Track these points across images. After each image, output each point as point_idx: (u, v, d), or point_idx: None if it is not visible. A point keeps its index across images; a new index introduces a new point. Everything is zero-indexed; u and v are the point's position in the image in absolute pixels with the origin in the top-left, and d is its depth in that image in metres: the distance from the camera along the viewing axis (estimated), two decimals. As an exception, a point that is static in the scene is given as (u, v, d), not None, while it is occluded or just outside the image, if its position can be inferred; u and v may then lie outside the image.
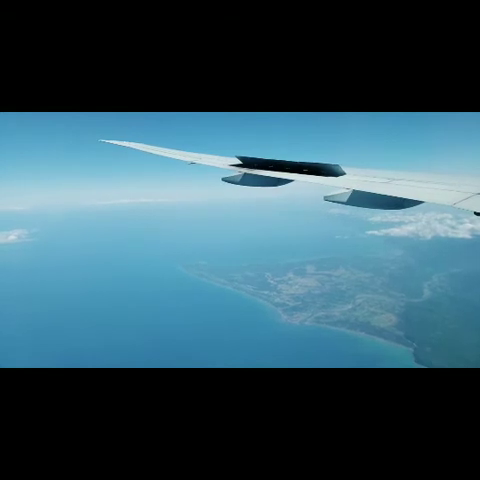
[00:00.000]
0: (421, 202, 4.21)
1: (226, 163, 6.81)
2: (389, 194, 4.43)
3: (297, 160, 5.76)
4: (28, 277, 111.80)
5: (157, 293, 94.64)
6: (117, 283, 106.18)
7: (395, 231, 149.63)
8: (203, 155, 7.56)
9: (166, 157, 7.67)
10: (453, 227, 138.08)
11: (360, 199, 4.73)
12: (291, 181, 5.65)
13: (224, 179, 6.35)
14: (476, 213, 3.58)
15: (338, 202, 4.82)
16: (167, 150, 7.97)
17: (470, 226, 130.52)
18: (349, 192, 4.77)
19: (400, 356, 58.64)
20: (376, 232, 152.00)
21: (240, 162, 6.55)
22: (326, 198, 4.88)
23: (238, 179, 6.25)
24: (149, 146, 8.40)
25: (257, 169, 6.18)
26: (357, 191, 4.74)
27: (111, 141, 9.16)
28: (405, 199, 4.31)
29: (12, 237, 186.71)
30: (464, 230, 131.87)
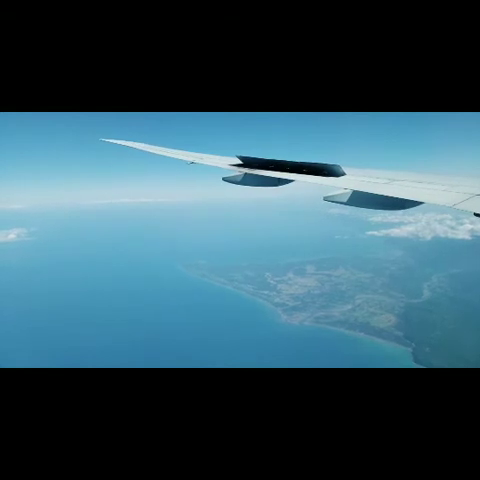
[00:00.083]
0: (421, 203, 4.22)
1: (226, 163, 6.81)
2: (389, 195, 4.43)
3: (297, 160, 5.76)
4: (27, 276, 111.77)
5: (157, 292, 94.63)
6: (117, 282, 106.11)
7: (395, 231, 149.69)
8: (203, 155, 7.55)
9: (166, 157, 7.67)
10: (453, 228, 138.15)
11: (360, 199, 4.74)
12: (291, 181, 5.65)
13: (224, 179, 6.35)
14: (476, 214, 3.58)
15: (338, 202, 4.82)
16: (167, 150, 7.97)
17: (470, 227, 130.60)
18: (349, 192, 4.78)
19: (399, 356, 58.66)
20: (376, 232, 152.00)
21: (240, 162, 6.55)
22: (326, 198, 4.88)
23: (238, 179, 6.25)
24: (149, 146, 8.40)
25: (257, 169, 6.18)
26: (357, 191, 4.75)
27: (111, 140, 9.16)
28: (405, 200, 4.31)
29: (11, 236, 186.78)
30: (464, 231, 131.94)
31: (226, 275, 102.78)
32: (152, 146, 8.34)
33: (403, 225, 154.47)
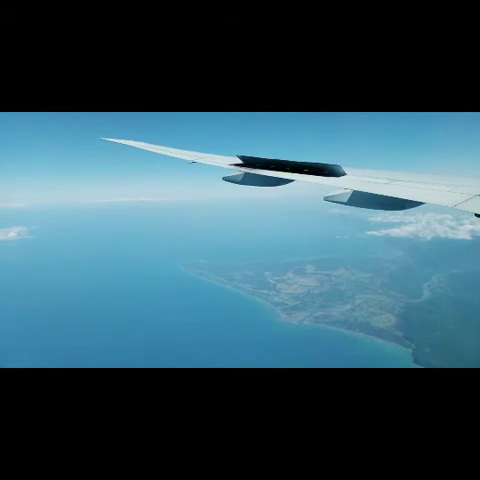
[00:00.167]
0: (422, 203, 4.21)
1: (227, 162, 6.81)
2: (389, 195, 4.43)
3: (298, 160, 5.76)
4: (28, 274, 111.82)
5: (156, 291, 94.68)
6: (116, 281, 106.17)
7: (395, 231, 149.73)
8: (204, 154, 7.55)
9: (167, 156, 7.67)
10: (453, 228, 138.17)
11: (360, 199, 4.73)
12: (292, 181, 5.65)
13: (225, 178, 6.35)
14: (477, 215, 3.58)
15: (338, 202, 4.82)
16: (168, 149, 7.96)
17: (470, 227, 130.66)
18: (349, 192, 4.77)
19: (399, 356, 58.66)
20: (376, 232, 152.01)
21: (241, 162, 6.55)
22: (326, 198, 4.88)
23: (239, 179, 6.25)
24: (150, 145, 8.39)
25: (258, 169, 6.18)
26: (357, 191, 4.74)
27: (112, 139, 9.16)
28: (405, 200, 4.31)
29: (12, 234, 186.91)
30: (464, 231, 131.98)
31: (226, 274, 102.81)
32: (153, 145, 8.33)
33: (403, 225, 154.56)
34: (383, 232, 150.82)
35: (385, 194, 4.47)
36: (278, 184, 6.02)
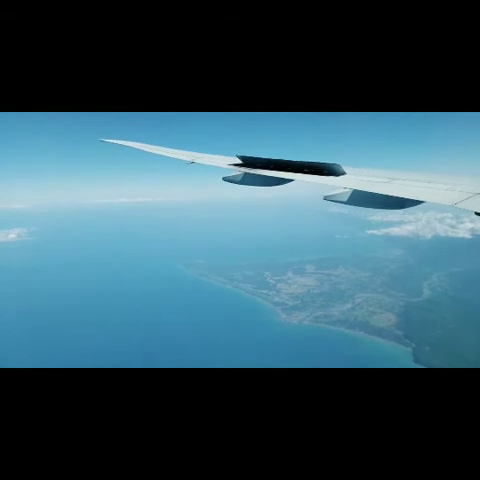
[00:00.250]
0: (421, 202, 4.21)
1: (226, 162, 6.80)
2: (389, 194, 4.43)
3: (297, 160, 5.76)
4: (27, 276, 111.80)
5: (156, 291, 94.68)
6: (116, 282, 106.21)
7: (395, 230, 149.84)
8: (203, 154, 7.55)
9: (166, 156, 7.67)
10: (453, 227, 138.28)
11: (360, 199, 4.73)
12: (291, 181, 5.65)
13: (224, 178, 6.34)
14: (477, 213, 3.58)
15: (338, 202, 4.82)
16: (167, 149, 7.96)
17: (470, 226, 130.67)
18: (349, 192, 4.77)
19: (399, 356, 58.70)
20: (376, 231, 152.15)
21: (240, 161, 6.55)
22: (326, 197, 4.88)
23: (238, 179, 6.24)
24: (149, 145, 8.39)
25: (257, 169, 6.17)
26: (357, 191, 4.74)
27: (111, 140, 9.15)
28: (405, 199, 4.30)
29: (12, 235, 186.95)
30: (464, 230, 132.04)
31: (225, 274, 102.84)
32: (152, 146, 8.33)
33: (403, 224, 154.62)
34: (383, 231, 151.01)
35: (385, 193, 4.47)
36: (278, 184, 6.01)
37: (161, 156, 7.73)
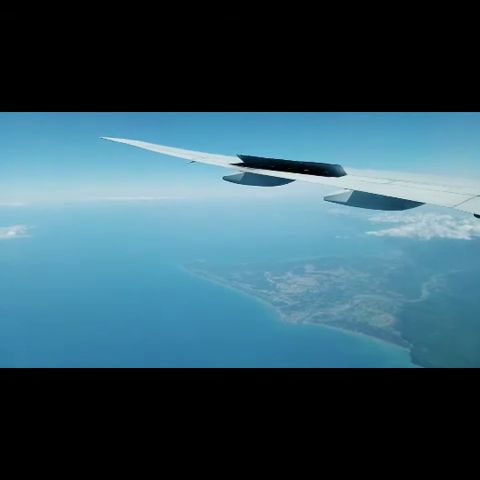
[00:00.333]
0: (422, 203, 4.22)
1: (227, 162, 6.81)
2: (389, 195, 4.43)
3: (298, 160, 5.76)
4: (26, 273, 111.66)
5: (156, 291, 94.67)
6: (116, 280, 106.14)
7: (395, 231, 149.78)
8: (204, 154, 7.55)
9: (167, 155, 7.67)
10: (452, 228, 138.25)
11: (360, 200, 4.74)
12: (292, 181, 5.65)
13: (225, 178, 6.34)
14: (476, 215, 3.59)
15: (338, 202, 4.82)
16: (168, 148, 7.96)
17: (469, 227, 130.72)
18: (350, 192, 4.78)
19: (397, 356, 58.73)
20: (376, 232, 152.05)
21: (241, 161, 6.55)
22: (326, 198, 4.88)
23: (239, 178, 6.24)
24: (150, 144, 8.39)
25: (258, 168, 6.18)
26: (357, 192, 4.75)
27: (112, 138, 9.15)
28: (405, 200, 4.31)
29: (11, 233, 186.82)
30: (463, 231, 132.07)
31: (225, 274, 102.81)
32: (153, 145, 8.33)
33: (403, 225, 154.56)
34: (383, 232, 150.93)
35: (385, 194, 4.48)
36: (278, 184, 6.01)
37: (162, 155, 7.73)
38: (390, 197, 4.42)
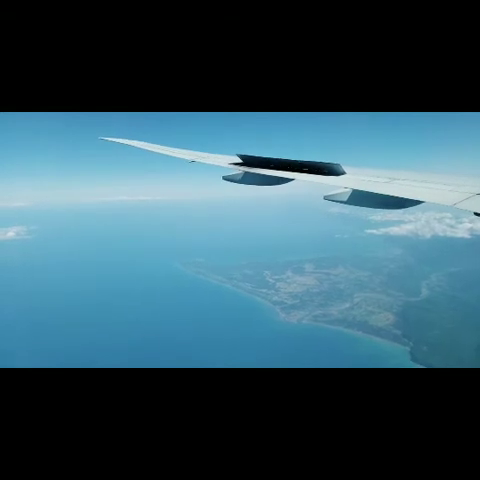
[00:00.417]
0: (421, 202, 4.23)
1: (227, 162, 6.81)
2: (389, 194, 4.44)
3: (297, 159, 5.77)
4: (26, 274, 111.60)
5: (155, 290, 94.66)
6: (115, 280, 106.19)
7: (394, 230, 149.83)
8: (204, 153, 7.56)
9: (167, 155, 7.67)
10: (452, 226, 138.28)
11: (360, 198, 4.74)
12: (292, 180, 5.66)
13: (225, 178, 6.35)
14: (476, 213, 3.60)
15: (338, 201, 4.83)
16: (168, 148, 7.96)
17: (469, 226, 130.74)
18: (349, 191, 4.78)
19: (396, 355, 58.81)
20: (375, 231, 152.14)
21: (241, 161, 6.55)
22: (326, 197, 4.89)
23: (239, 178, 6.25)
24: (149, 144, 8.39)
25: (258, 168, 6.18)
26: (357, 190, 4.75)
27: (110, 139, 9.15)
28: (405, 199, 4.32)
29: (11, 234, 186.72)
30: (463, 229, 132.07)
31: (225, 273, 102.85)
32: (153, 145, 8.33)
33: (403, 223, 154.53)
34: (382, 231, 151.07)
35: (385, 193, 4.49)
36: (278, 183, 6.02)
37: (162, 155, 7.73)
38: (390, 196, 4.42)
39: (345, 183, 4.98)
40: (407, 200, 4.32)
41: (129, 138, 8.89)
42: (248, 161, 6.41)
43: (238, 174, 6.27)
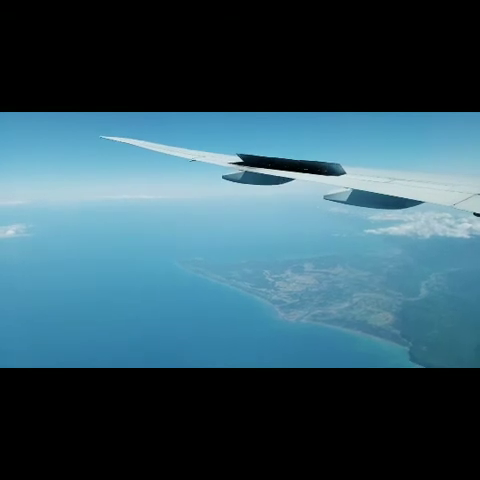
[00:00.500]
0: (421, 202, 4.24)
1: (227, 161, 6.82)
2: (389, 194, 4.45)
3: (298, 159, 5.77)
4: (25, 272, 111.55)
5: (154, 289, 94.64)
6: (114, 279, 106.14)
7: (394, 230, 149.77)
8: (204, 153, 7.56)
9: (167, 154, 7.67)
10: (451, 226, 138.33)
11: (360, 198, 4.75)
12: (291, 180, 5.66)
13: (225, 177, 6.35)
14: (475, 214, 3.61)
15: (338, 201, 4.84)
16: (168, 147, 7.97)
17: (468, 226, 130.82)
18: (349, 191, 4.79)
19: (395, 355, 58.88)
20: (375, 231, 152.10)
21: (241, 160, 6.56)
22: (326, 197, 4.90)
23: (239, 177, 6.25)
24: (150, 143, 8.39)
25: (258, 167, 6.19)
26: (357, 190, 4.76)
27: (111, 137, 9.15)
28: (405, 199, 4.32)
29: (10, 232, 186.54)
30: (462, 230, 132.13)
31: (224, 272, 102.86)
32: (153, 144, 8.33)
33: (402, 223, 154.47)
34: (382, 230, 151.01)
35: (385, 193, 4.49)
36: (278, 183, 6.03)
37: (162, 154, 7.74)
38: (389, 196, 4.43)
39: (345, 183, 4.99)
40: (407, 200, 4.33)
41: (130, 137, 8.89)
42: (248, 160, 6.42)
43: (238, 173, 6.28)
